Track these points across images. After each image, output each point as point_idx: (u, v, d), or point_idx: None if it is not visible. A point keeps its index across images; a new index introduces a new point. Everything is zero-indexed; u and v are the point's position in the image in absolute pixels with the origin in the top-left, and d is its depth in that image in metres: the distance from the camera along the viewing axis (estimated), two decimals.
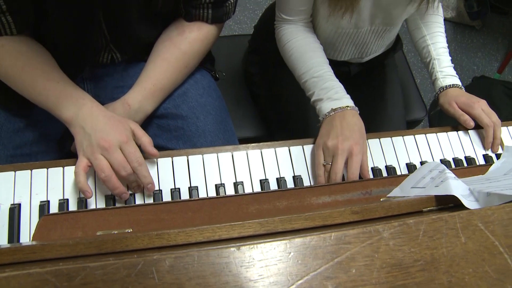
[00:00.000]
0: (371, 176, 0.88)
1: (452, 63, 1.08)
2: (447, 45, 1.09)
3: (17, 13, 0.74)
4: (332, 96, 0.88)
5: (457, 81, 1.03)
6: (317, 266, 0.34)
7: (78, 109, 0.77)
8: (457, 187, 0.56)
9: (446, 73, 1.05)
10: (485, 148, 0.97)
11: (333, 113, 0.86)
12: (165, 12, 0.89)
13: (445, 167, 0.64)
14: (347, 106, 0.86)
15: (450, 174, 0.61)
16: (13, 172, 0.78)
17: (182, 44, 0.90)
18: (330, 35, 1.05)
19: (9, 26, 0.74)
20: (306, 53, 0.95)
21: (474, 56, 2.16)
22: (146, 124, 0.96)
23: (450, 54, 1.08)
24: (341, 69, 1.21)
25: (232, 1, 0.91)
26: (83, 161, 0.75)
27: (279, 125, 1.25)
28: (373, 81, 1.29)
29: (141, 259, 0.32)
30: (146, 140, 0.80)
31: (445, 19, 2.19)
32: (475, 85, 1.94)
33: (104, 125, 0.75)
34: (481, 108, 0.96)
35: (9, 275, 0.30)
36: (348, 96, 0.90)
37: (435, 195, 0.55)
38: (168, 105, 0.96)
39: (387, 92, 1.28)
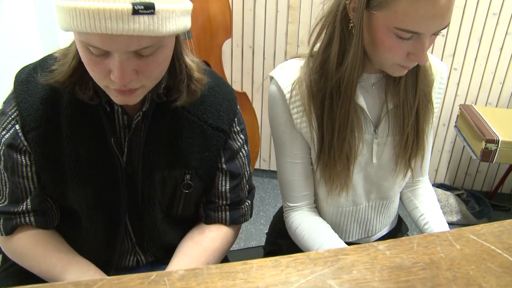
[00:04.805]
0: None
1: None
2: (444, 218, 1.13)
3: (41, 216, 0.86)
4: None
5: None
6: (318, 271, 0.37)
7: (82, 273, 0.81)
8: None
9: None
10: None
11: None
12: (186, 217, 1.00)
13: None
14: None
15: None
16: None
17: (203, 242, 0.98)
18: (333, 215, 1.13)
19: (31, 224, 0.85)
20: (316, 231, 1.02)
21: None
22: None
23: None
24: None
25: (248, 203, 1.03)
26: None
27: None
28: None
29: (155, 272, 0.35)
30: None
31: (453, 223, 2.27)
32: None
33: None
34: None
35: (33, 286, 0.34)
36: None
37: None
38: None
39: None
